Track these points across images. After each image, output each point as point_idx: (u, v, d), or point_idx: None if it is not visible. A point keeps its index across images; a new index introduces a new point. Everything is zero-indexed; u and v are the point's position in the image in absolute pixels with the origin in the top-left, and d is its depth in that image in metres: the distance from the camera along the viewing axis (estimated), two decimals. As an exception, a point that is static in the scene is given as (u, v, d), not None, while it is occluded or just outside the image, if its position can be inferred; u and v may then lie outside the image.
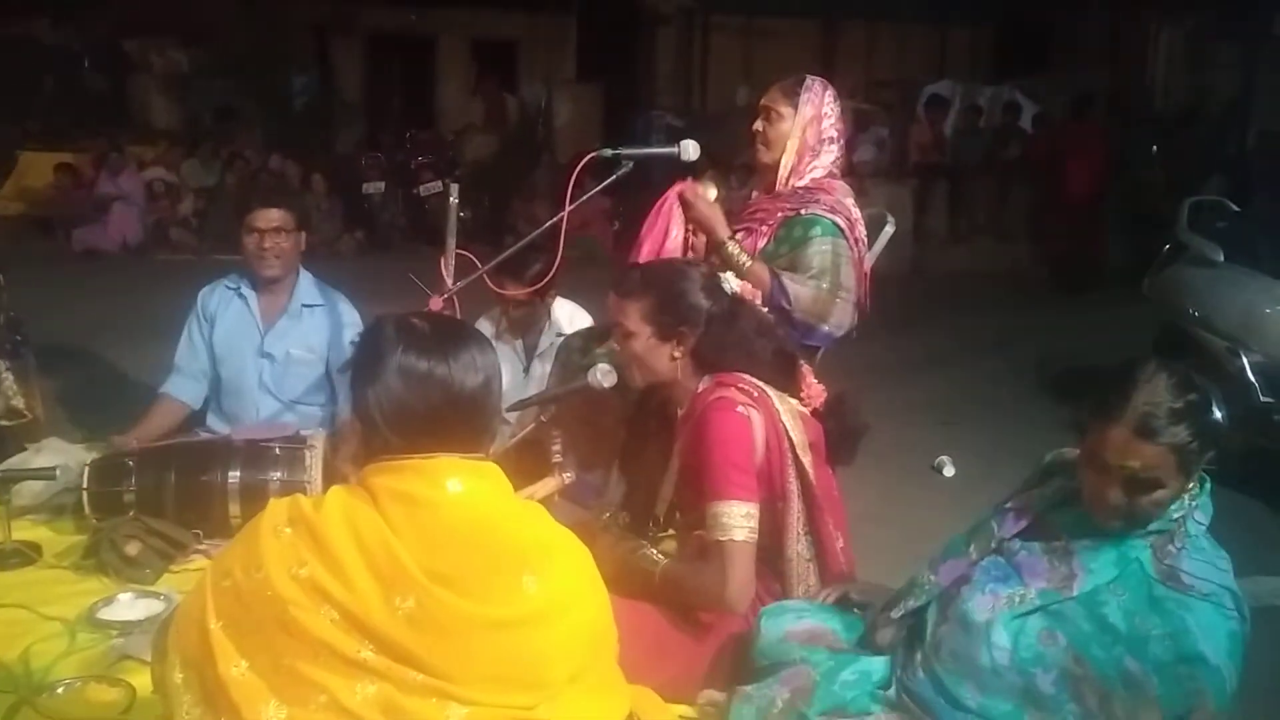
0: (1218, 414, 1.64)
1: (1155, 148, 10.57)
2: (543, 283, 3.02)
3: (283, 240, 3.15)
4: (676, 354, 2.17)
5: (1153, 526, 1.68)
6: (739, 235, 2.76)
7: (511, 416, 3.09)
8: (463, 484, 1.38)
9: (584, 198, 2.59)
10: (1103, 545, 1.70)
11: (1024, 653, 1.69)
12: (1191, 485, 1.67)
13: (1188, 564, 1.64)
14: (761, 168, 2.83)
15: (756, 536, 2.01)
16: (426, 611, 1.30)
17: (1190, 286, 5.06)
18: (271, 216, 3.14)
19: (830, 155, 2.76)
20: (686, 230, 2.75)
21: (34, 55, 12.97)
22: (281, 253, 3.16)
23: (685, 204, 2.72)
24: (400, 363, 1.40)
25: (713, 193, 2.76)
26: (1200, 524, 1.68)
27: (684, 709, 1.93)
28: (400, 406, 1.39)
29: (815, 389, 2.27)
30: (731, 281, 2.33)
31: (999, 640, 1.70)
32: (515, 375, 3.32)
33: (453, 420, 1.40)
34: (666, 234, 2.74)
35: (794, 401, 2.18)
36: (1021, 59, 13.27)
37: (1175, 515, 1.67)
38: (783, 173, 2.74)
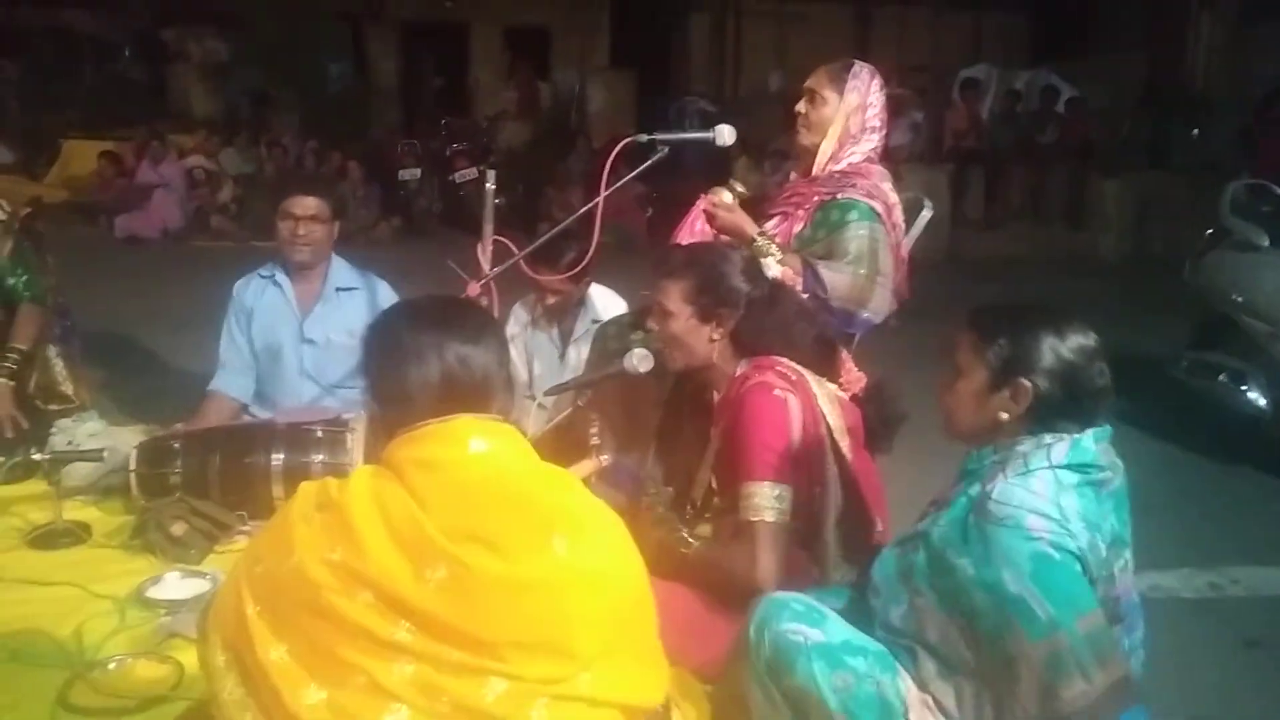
0: (1053, 349, 1.61)
1: (1196, 132, 10.40)
2: (578, 269, 3.04)
3: (316, 229, 3.18)
4: (715, 335, 2.18)
5: (993, 457, 1.67)
6: (775, 219, 2.75)
7: (548, 401, 3.12)
8: (486, 443, 1.42)
9: (619, 183, 2.59)
10: (962, 486, 1.70)
11: (885, 591, 1.75)
12: (1032, 414, 1.62)
13: (999, 491, 1.60)
14: (801, 150, 2.80)
15: (788, 519, 2.01)
16: (456, 579, 1.32)
17: (1233, 271, 4.97)
18: (308, 204, 3.17)
19: (870, 143, 2.73)
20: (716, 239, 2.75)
21: (76, 45, 13.19)
22: (314, 240, 3.19)
23: (709, 217, 2.72)
24: (405, 338, 1.46)
25: (728, 196, 2.74)
26: (1052, 463, 1.60)
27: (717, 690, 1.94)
28: (410, 380, 1.44)
29: (854, 375, 2.26)
30: (773, 267, 2.33)
31: (875, 580, 1.78)
32: (551, 361, 3.34)
33: (463, 383, 1.44)
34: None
35: (832, 386, 2.18)
36: (1058, 42, 13.09)
37: (1020, 448, 1.64)
38: (821, 158, 2.72)
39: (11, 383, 3.15)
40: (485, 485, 1.39)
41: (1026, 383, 1.62)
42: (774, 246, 2.60)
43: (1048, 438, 1.63)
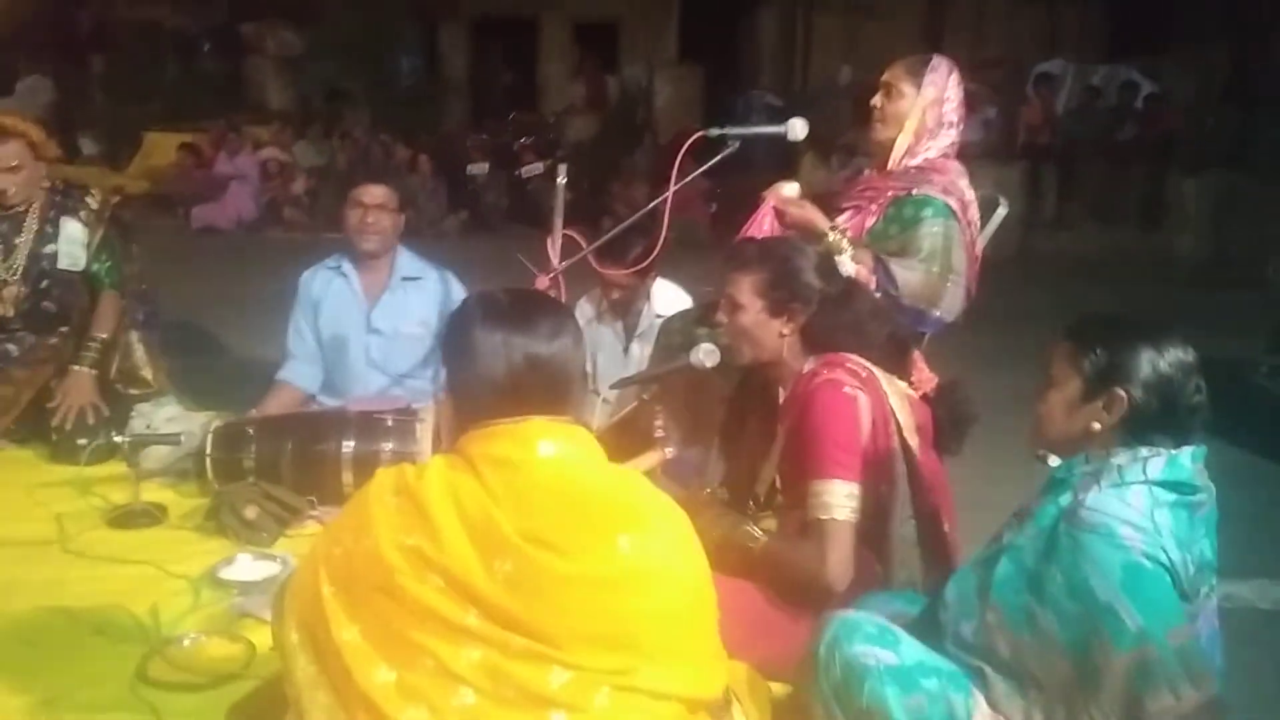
0: (1150, 362, 1.59)
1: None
2: (644, 264, 3.04)
3: (384, 217, 3.23)
4: (785, 330, 2.16)
5: (1083, 468, 1.63)
6: (847, 213, 2.72)
7: (611, 395, 3.13)
8: (554, 446, 1.42)
9: (688, 178, 2.58)
10: (1050, 496, 1.67)
11: (957, 606, 1.72)
12: (1124, 424, 1.60)
13: (1092, 500, 1.57)
14: (875, 145, 2.76)
15: (857, 517, 2.00)
16: (523, 573, 1.34)
17: (1318, 274, 4.82)
18: (376, 193, 3.22)
19: (947, 139, 2.69)
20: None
21: (157, 40, 13.53)
22: (382, 229, 3.24)
23: (778, 214, 2.69)
24: (478, 334, 1.45)
25: (793, 189, 2.71)
26: (1148, 478, 1.57)
27: (781, 687, 1.93)
28: (479, 376, 1.44)
29: (925, 375, 2.23)
30: (848, 265, 2.31)
31: (948, 597, 1.75)
32: (615, 356, 3.34)
33: (534, 385, 1.43)
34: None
35: (902, 384, 2.15)
36: (1138, 35, 12.72)
37: (1115, 460, 1.60)
38: (897, 153, 2.68)
39: (94, 371, 3.24)
40: (551, 489, 1.40)
41: (1121, 392, 1.59)
42: (846, 242, 2.57)
43: (1143, 451, 1.60)
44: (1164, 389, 1.59)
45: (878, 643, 1.69)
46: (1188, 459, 1.60)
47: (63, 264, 3.30)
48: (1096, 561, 1.53)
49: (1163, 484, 1.58)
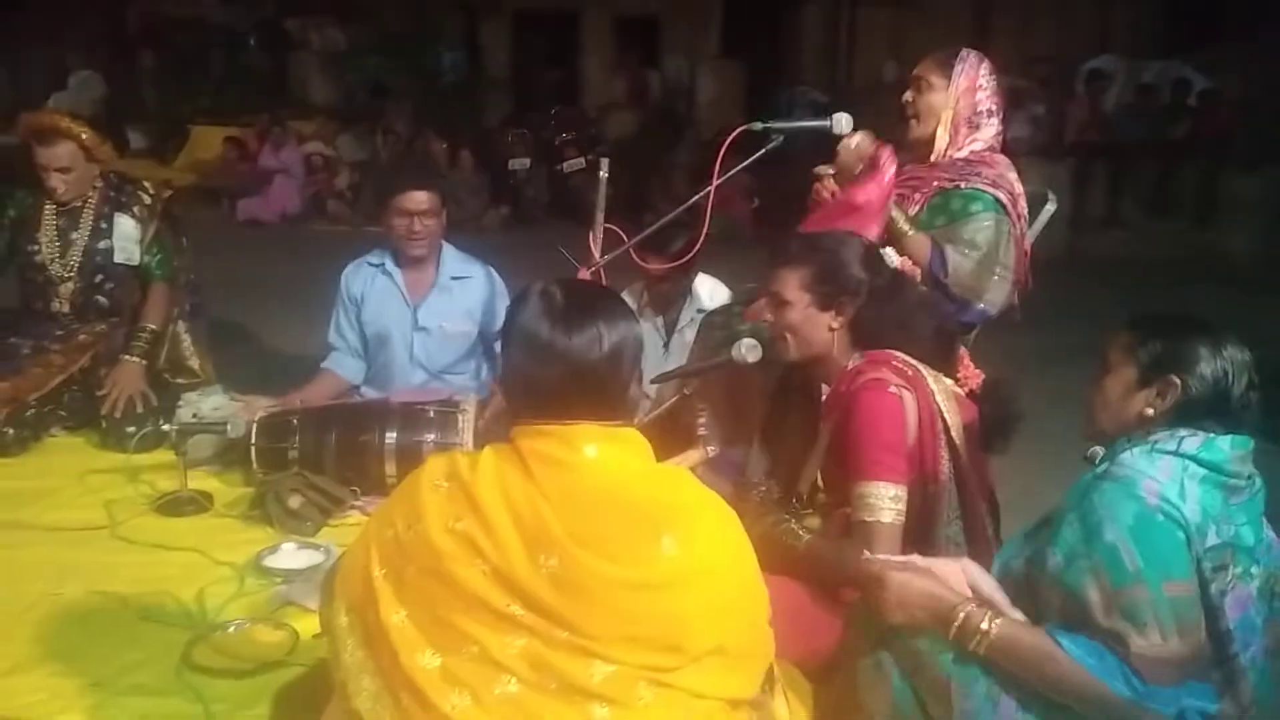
0: (1207, 354, 1.61)
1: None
2: (687, 258, 3.03)
3: (430, 222, 3.21)
4: (835, 324, 2.13)
5: (1126, 445, 1.65)
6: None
7: (652, 389, 3.13)
8: (599, 449, 1.41)
9: (731, 172, 2.57)
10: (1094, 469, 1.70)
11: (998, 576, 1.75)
12: (1167, 408, 1.61)
13: (1124, 457, 1.62)
14: (912, 143, 2.74)
15: (903, 520, 1.97)
16: (568, 571, 1.34)
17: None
18: (419, 199, 3.19)
19: (991, 129, 2.66)
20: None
21: (205, 35, 13.71)
22: (429, 233, 3.23)
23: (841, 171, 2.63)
24: (528, 332, 1.42)
25: (856, 139, 2.63)
26: (1181, 450, 1.59)
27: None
28: (524, 376, 1.44)
29: (972, 371, 2.20)
30: (893, 256, 2.28)
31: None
32: (655, 350, 3.34)
33: (576, 392, 1.41)
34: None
35: (949, 382, 2.12)
36: (1193, 30, 12.47)
37: (1152, 437, 1.62)
38: (939, 146, 2.66)
39: (144, 361, 3.29)
40: (598, 490, 1.39)
41: (1176, 379, 1.61)
42: (906, 220, 2.55)
43: (1182, 430, 1.61)
44: (1218, 380, 1.61)
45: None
46: (1226, 444, 1.61)
47: (118, 259, 3.35)
48: (1110, 505, 1.57)
49: (1196, 459, 1.59)
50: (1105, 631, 1.54)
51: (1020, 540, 1.80)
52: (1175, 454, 1.60)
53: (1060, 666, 1.55)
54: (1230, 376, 1.62)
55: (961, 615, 1.62)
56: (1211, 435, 1.61)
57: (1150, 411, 1.64)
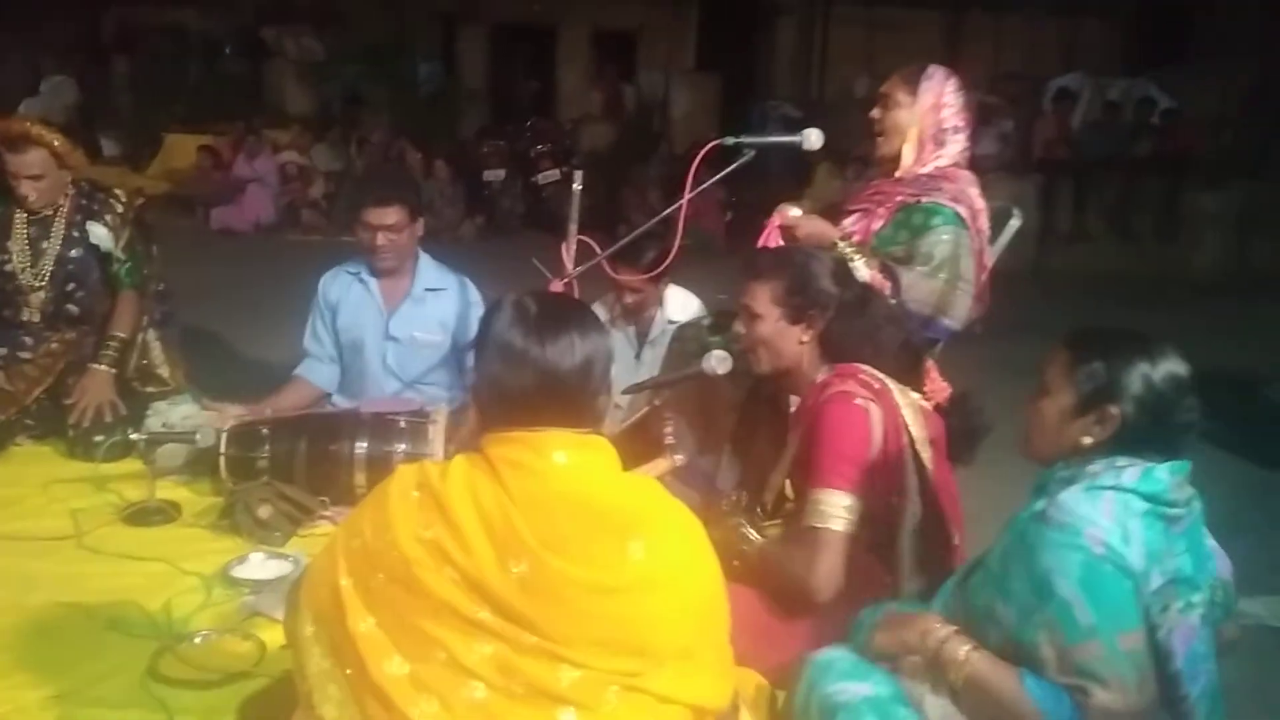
0: (1145, 379, 1.59)
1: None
2: (659, 269, 3.06)
3: (396, 237, 3.20)
4: (805, 338, 2.16)
5: (1061, 473, 1.64)
6: (854, 215, 2.73)
7: (623, 400, 3.14)
8: (568, 456, 1.43)
9: (703, 186, 2.59)
10: (1032, 499, 1.69)
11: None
12: (1108, 432, 1.60)
13: (1063, 499, 1.58)
14: (880, 159, 2.78)
15: (854, 530, 2.00)
16: (538, 576, 1.35)
17: (1336, 291, 4.80)
18: (386, 214, 3.18)
19: (957, 146, 2.70)
20: None
21: (180, 42, 13.64)
22: (395, 248, 3.22)
23: (786, 231, 2.70)
24: (501, 341, 1.45)
25: (796, 211, 2.72)
26: (1121, 485, 1.58)
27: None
28: (498, 384, 1.46)
29: (939, 385, 2.23)
30: (862, 270, 2.31)
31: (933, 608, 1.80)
32: (626, 361, 3.35)
33: (547, 400, 1.44)
34: None
35: (916, 396, 2.15)
36: (1159, 50, 12.68)
37: (1090, 467, 1.61)
38: (905, 162, 2.69)
39: (113, 370, 3.26)
40: (566, 496, 1.41)
41: (1115, 410, 1.60)
42: (853, 249, 2.59)
43: (1120, 460, 1.61)
44: (1157, 407, 1.60)
45: (851, 677, 1.70)
46: (1165, 473, 1.60)
47: (93, 239, 3.30)
48: (1058, 558, 1.55)
49: (1136, 492, 1.58)
50: (1064, 685, 1.54)
51: (953, 587, 1.79)
52: (1115, 488, 1.58)
53: (1022, 707, 1.57)
54: (1168, 401, 1.60)
55: (944, 641, 1.66)
56: (1150, 465, 1.60)
57: (1088, 440, 1.63)
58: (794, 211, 2.70)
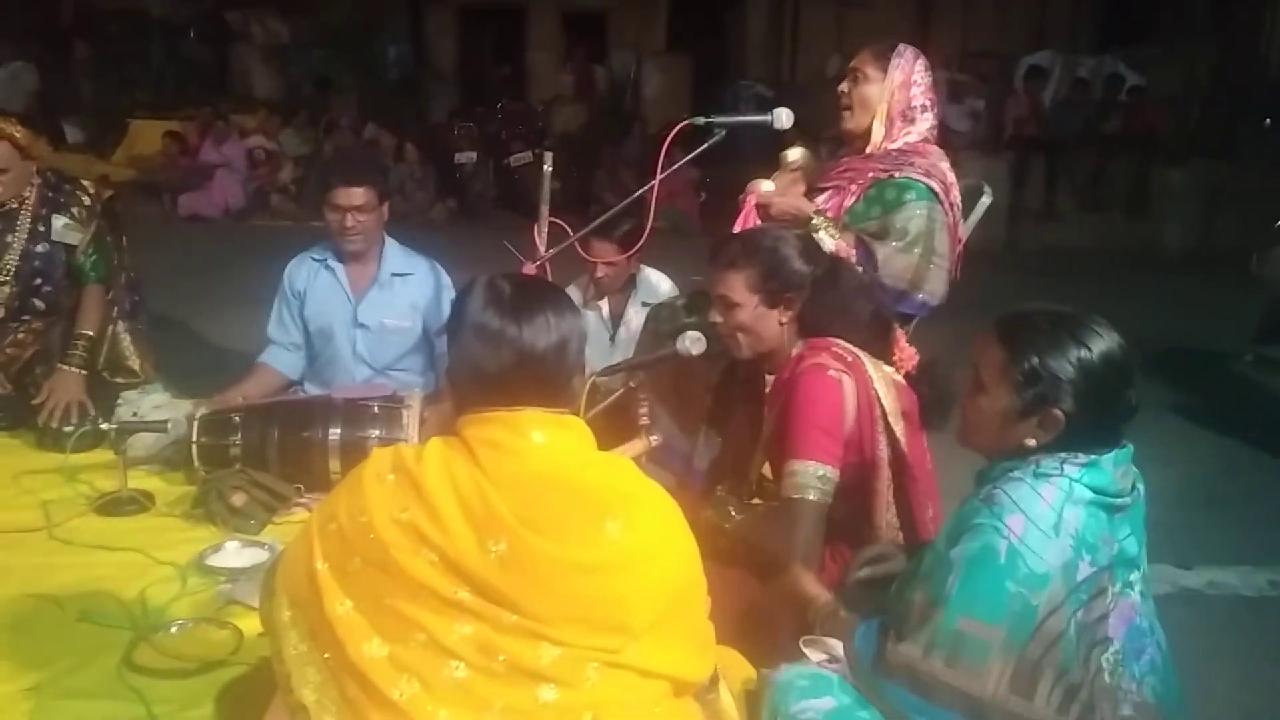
0: (1085, 374, 1.56)
1: (1269, 121, 10.11)
2: (632, 246, 3.05)
3: (366, 218, 3.17)
4: (784, 319, 2.18)
5: (1005, 465, 1.63)
6: (827, 193, 2.74)
7: (599, 382, 3.14)
8: (546, 435, 1.43)
9: (674, 166, 2.59)
10: (976, 488, 1.70)
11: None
12: (1050, 429, 1.59)
13: (1008, 485, 1.58)
14: (847, 134, 2.79)
15: (829, 500, 2.01)
16: (516, 554, 1.35)
17: (1301, 265, 4.86)
18: (354, 195, 3.15)
19: (925, 123, 2.72)
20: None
21: (146, 27, 13.44)
22: (365, 229, 3.19)
23: (762, 208, 2.71)
24: (476, 322, 1.45)
25: (794, 154, 2.74)
26: (1067, 474, 1.57)
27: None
28: (474, 365, 1.45)
29: (908, 352, 2.25)
30: (827, 241, 2.32)
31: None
32: (601, 343, 3.35)
33: (524, 380, 1.44)
34: None
35: (889, 369, 2.17)
36: (1127, 28, 12.77)
37: (1034, 458, 1.60)
38: (875, 138, 2.71)
39: (83, 371, 3.19)
40: (543, 474, 1.41)
41: (1058, 413, 1.58)
42: (829, 225, 2.60)
43: (1065, 454, 1.60)
44: (1099, 401, 1.58)
45: (811, 694, 1.70)
46: (1110, 462, 1.59)
47: (56, 236, 3.23)
48: (973, 526, 1.57)
49: (1081, 482, 1.58)
50: (902, 626, 1.60)
51: (910, 568, 1.81)
52: (1062, 476, 1.58)
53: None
54: (1110, 391, 1.58)
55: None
56: (1095, 457, 1.59)
57: (1032, 442, 1.61)
58: (766, 186, 2.71)
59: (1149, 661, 1.62)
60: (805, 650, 1.81)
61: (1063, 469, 1.58)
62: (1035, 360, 1.58)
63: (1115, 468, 1.60)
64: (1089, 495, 1.57)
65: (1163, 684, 1.62)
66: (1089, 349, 1.58)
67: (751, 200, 2.73)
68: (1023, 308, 1.67)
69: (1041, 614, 1.54)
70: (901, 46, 2.74)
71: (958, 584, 1.55)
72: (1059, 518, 1.55)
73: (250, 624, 2.01)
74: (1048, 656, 1.54)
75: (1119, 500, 1.60)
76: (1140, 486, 1.65)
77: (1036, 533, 1.54)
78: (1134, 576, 1.61)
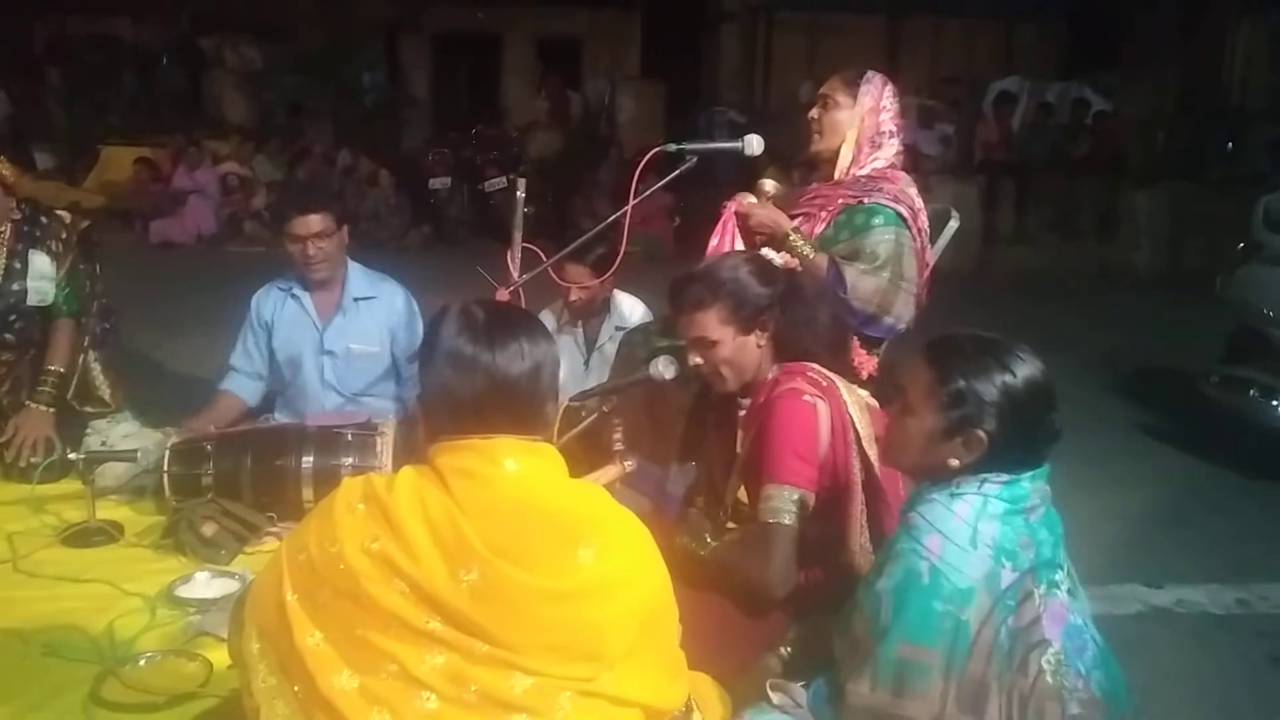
0: (1008, 397, 1.60)
1: (1231, 144, 10.31)
2: (606, 270, 3.06)
3: (325, 243, 3.15)
4: (761, 342, 2.19)
5: (930, 491, 1.66)
6: (796, 220, 2.77)
7: (573, 407, 3.14)
8: (518, 463, 1.43)
9: (647, 192, 2.61)
10: (903, 512, 1.74)
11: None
12: (974, 450, 1.61)
13: (925, 507, 1.62)
14: (816, 158, 2.82)
15: (802, 525, 2.01)
16: (489, 583, 1.35)
17: (1264, 285, 4.93)
18: (311, 223, 3.12)
19: (892, 149, 2.76)
20: (751, 241, 2.77)
21: (115, 53, 13.40)
22: (326, 256, 3.16)
23: (741, 218, 2.74)
24: (449, 349, 1.45)
25: (769, 185, 2.78)
26: (983, 492, 1.60)
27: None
28: (448, 392, 1.45)
29: (864, 358, 2.28)
30: (774, 257, 2.36)
31: None
32: (575, 367, 3.36)
33: (498, 407, 1.44)
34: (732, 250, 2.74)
35: (863, 393, 2.18)
36: (1093, 54, 13.00)
37: (957, 479, 1.63)
38: (843, 163, 2.74)
39: (51, 409, 3.14)
40: (515, 502, 1.41)
41: (981, 434, 1.61)
42: (806, 243, 2.64)
43: (986, 475, 1.63)
44: (1021, 424, 1.61)
45: None
46: (1028, 481, 1.63)
47: (32, 301, 3.18)
48: (896, 554, 1.61)
49: (997, 497, 1.61)
50: (846, 663, 1.62)
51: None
52: (978, 494, 1.61)
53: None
54: (1033, 416, 1.61)
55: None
56: (1015, 477, 1.62)
57: (955, 463, 1.64)
58: (751, 199, 2.74)
59: (1092, 657, 1.63)
60: (770, 693, 1.81)
61: (980, 488, 1.62)
62: (961, 383, 1.62)
63: (1033, 484, 1.64)
64: (1003, 507, 1.61)
65: (1107, 677, 1.64)
66: (1013, 374, 1.62)
67: (732, 208, 2.76)
68: (951, 333, 1.71)
69: (974, 629, 1.56)
70: (870, 73, 2.78)
71: (890, 613, 1.58)
72: (974, 531, 1.58)
73: (221, 656, 1.98)
74: (989, 670, 1.56)
75: (1030, 503, 1.63)
76: (1048, 489, 1.68)
77: (954, 548, 1.57)
78: (1058, 576, 1.63)
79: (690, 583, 1.98)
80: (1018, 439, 1.62)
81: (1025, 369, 1.63)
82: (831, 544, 2.08)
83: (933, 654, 1.56)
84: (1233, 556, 3.86)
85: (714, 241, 2.78)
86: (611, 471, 2.28)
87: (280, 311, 3.29)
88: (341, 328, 3.26)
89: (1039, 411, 1.63)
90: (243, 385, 3.31)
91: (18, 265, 3.19)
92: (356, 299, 3.28)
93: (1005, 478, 1.62)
